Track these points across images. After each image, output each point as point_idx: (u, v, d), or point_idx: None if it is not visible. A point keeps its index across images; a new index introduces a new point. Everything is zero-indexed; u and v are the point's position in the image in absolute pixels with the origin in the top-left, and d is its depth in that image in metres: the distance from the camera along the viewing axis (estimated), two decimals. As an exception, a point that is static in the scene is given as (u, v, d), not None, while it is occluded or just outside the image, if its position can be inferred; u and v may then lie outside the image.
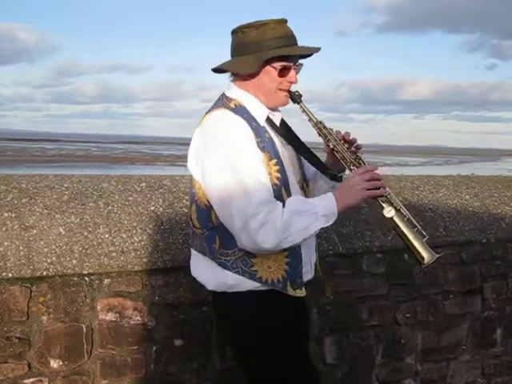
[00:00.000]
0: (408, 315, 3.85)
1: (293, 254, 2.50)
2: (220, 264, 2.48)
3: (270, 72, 2.49)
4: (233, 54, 2.56)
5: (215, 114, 2.48)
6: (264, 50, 2.44)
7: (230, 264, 2.46)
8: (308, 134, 2.78)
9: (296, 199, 2.45)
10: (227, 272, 2.47)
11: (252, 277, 2.45)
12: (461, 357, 4.08)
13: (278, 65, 2.48)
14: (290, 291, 2.51)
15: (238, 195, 2.34)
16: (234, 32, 2.54)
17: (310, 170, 2.78)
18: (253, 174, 2.37)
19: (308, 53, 2.55)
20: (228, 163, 2.37)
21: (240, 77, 2.55)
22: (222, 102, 2.54)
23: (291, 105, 2.61)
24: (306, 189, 2.73)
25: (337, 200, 2.43)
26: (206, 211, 2.49)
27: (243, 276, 2.45)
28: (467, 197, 4.35)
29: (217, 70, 2.61)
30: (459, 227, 4.01)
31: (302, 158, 2.73)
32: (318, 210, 2.40)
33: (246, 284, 2.47)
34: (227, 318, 2.62)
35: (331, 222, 2.45)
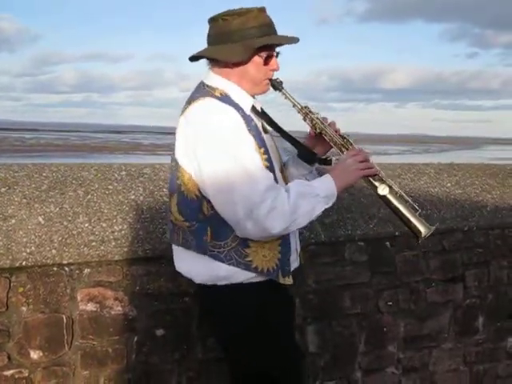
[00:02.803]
0: (390, 303, 3.86)
1: (284, 241, 2.50)
2: (212, 256, 2.43)
3: (256, 61, 2.47)
4: (213, 42, 2.50)
5: (202, 103, 2.41)
6: (248, 38, 2.41)
7: (223, 256, 2.42)
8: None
9: (298, 183, 2.48)
10: (220, 264, 2.43)
11: (247, 267, 2.43)
12: (443, 344, 4.10)
13: (264, 53, 2.46)
14: (281, 279, 2.50)
15: (242, 183, 2.31)
16: (213, 20, 2.48)
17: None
18: (254, 161, 2.36)
19: (292, 42, 2.52)
20: (227, 151, 2.33)
21: (221, 65, 2.50)
22: (205, 90, 2.48)
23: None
24: (286, 175, 2.73)
25: (335, 181, 2.48)
26: (196, 203, 2.43)
27: (238, 267, 2.42)
28: (449, 184, 4.35)
29: (194, 58, 2.56)
30: (441, 215, 4.01)
31: (278, 145, 2.74)
32: (319, 192, 2.43)
33: (239, 275, 2.44)
34: (217, 311, 2.58)
35: (331, 204, 2.49)
